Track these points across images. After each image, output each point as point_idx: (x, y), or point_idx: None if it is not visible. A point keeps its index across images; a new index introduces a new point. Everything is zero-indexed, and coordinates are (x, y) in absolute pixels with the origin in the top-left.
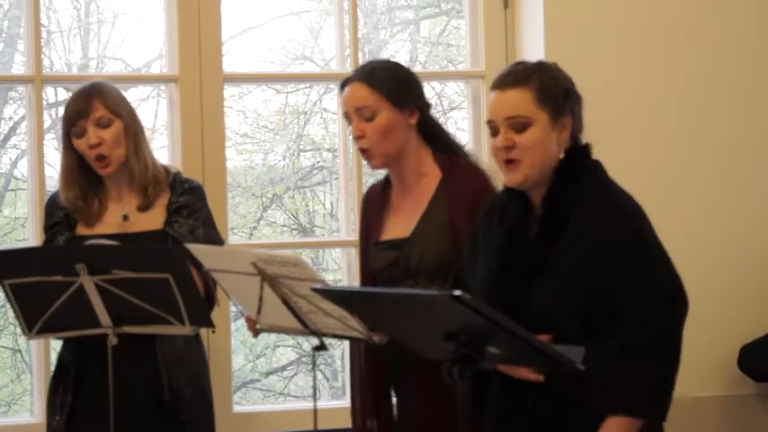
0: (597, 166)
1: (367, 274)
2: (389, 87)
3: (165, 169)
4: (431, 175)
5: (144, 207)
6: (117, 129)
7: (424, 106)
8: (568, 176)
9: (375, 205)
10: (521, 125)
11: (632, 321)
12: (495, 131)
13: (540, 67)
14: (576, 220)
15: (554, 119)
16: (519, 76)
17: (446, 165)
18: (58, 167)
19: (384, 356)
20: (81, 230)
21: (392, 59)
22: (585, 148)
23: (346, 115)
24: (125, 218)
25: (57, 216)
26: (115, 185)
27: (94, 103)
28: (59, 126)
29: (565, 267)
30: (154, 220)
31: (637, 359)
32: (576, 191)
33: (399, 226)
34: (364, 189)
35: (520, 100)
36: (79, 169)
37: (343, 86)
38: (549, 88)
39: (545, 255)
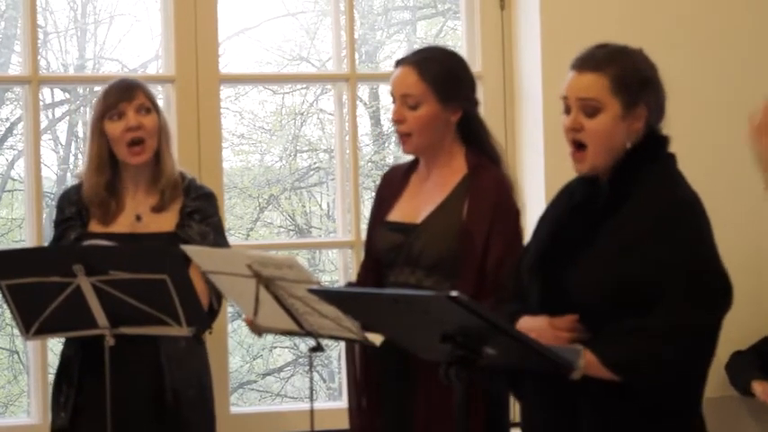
0: (670, 158)
1: (370, 255)
2: (439, 82)
3: (182, 175)
4: (456, 170)
5: (158, 208)
6: (155, 119)
7: (470, 105)
8: (636, 163)
9: (393, 185)
10: (591, 109)
11: (665, 306)
12: (567, 109)
13: (622, 53)
14: (632, 202)
15: (626, 108)
16: (598, 60)
17: (473, 164)
18: (56, 168)
19: (383, 356)
20: (94, 227)
21: (453, 51)
22: (661, 140)
23: (391, 95)
24: (138, 218)
25: (69, 212)
26: (133, 182)
27: (138, 92)
28: (92, 112)
29: (608, 248)
30: (166, 222)
31: (653, 333)
32: (641, 178)
33: (411, 210)
34: (361, 190)
35: (595, 85)
36: (108, 159)
37: (396, 65)
38: (627, 77)
39: (594, 233)
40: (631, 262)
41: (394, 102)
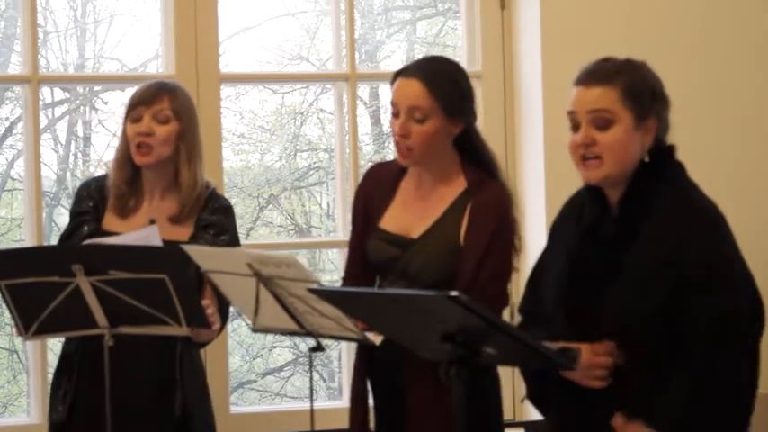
0: (679, 168)
1: (356, 251)
2: (448, 98)
3: (206, 185)
4: (453, 184)
5: (176, 220)
6: (171, 129)
7: (472, 119)
8: (648, 179)
9: (382, 187)
10: (604, 121)
11: (702, 338)
12: (575, 125)
13: (629, 66)
14: (651, 224)
15: (638, 120)
16: (605, 73)
17: (474, 178)
18: (55, 168)
19: (380, 357)
20: (108, 224)
21: (456, 61)
22: (669, 150)
23: (394, 105)
24: (152, 222)
25: (86, 205)
26: (150, 184)
27: (161, 98)
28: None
29: (638, 274)
30: (181, 231)
31: (705, 389)
32: (654, 194)
33: (406, 222)
34: None
35: (605, 96)
36: (128, 157)
37: (398, 75)
38: (637, 88)
39: (618, 260)
40: (662, 286)
41: (396, 112)
